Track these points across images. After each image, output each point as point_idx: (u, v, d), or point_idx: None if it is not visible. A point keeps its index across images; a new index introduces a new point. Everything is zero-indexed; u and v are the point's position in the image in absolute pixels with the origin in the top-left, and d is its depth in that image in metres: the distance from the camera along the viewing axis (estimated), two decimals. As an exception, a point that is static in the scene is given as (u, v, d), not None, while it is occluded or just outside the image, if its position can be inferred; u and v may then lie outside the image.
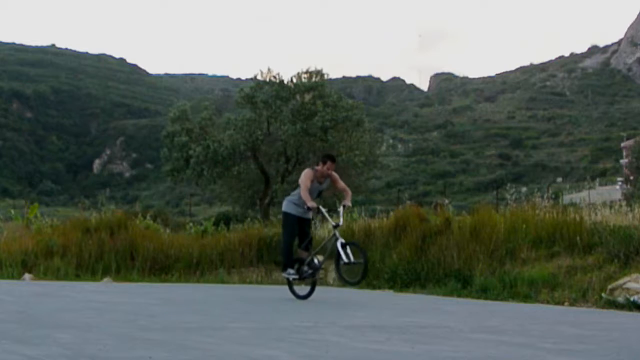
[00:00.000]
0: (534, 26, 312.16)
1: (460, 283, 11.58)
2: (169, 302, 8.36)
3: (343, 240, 8.52)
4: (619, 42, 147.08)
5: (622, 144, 71.57)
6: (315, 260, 8.91)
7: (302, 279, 9.00)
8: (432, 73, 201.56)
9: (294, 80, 27.68)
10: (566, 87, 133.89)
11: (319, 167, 8.93)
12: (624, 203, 14.76)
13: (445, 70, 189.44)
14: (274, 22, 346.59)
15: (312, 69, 27.73)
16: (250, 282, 14.03)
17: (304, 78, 27.54)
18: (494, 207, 16.25)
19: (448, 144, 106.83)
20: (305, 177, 8.78)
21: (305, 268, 8.85)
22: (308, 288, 8.97)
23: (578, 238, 11.31)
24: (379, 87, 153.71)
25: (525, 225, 11.99)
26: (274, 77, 27.76)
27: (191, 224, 17.86)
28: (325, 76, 28.21)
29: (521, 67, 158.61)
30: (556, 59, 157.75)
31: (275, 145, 26.84)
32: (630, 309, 8.98)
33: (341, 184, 9.18)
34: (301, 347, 4.45)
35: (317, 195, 9.10)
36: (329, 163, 8.89)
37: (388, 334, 5.40)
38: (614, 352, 4.89)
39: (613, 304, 9.27)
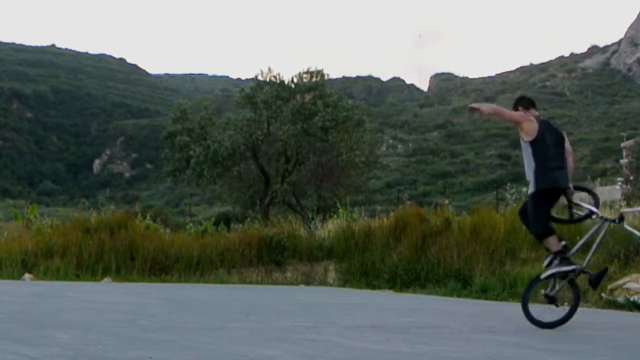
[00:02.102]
0: (534, 26, 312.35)
1: (460, 283, 11.60)
2: (169, 302, 8.35)
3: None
4: (619, 42, 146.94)
5: (622, 144, 71.50)
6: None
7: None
8: (432, 73, 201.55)
9: (294, 80, 27.73)
10: (566, 87, 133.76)
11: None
12: (624, 203, 14.75)
13: (445, 70, 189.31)
14: (274, 22, 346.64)
15: (312, 69, 27.81)
16: (250, 282, 14.03)
17: (304, 78, 27.57)
18: (494, 207, 16.25)
19: (448, 144, 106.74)
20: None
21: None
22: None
23: (578, 238, 11.30)
24: (379, 87, 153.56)
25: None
26: (274, 77, 27.82)
27: (191, 224, 17.85)
28: (326, 76, 28.26)
29: (521, 67, 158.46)
30: (556, 59, 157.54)
31: (275, 145, 26.85)
32: (630, 309, 8.99)
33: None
34: (301, 347, 4.45)
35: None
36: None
37: (388, 334, 5.39)
38: (614, 352, 4.89)
39: (613, 304, 9.28)
